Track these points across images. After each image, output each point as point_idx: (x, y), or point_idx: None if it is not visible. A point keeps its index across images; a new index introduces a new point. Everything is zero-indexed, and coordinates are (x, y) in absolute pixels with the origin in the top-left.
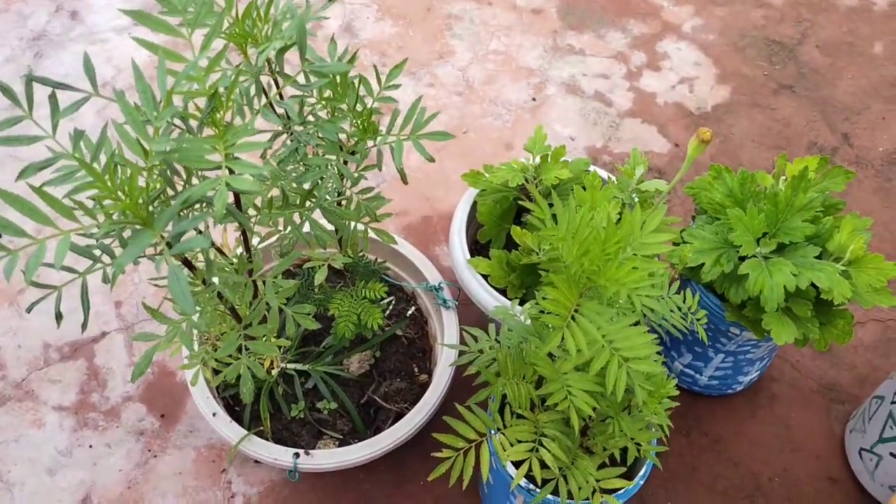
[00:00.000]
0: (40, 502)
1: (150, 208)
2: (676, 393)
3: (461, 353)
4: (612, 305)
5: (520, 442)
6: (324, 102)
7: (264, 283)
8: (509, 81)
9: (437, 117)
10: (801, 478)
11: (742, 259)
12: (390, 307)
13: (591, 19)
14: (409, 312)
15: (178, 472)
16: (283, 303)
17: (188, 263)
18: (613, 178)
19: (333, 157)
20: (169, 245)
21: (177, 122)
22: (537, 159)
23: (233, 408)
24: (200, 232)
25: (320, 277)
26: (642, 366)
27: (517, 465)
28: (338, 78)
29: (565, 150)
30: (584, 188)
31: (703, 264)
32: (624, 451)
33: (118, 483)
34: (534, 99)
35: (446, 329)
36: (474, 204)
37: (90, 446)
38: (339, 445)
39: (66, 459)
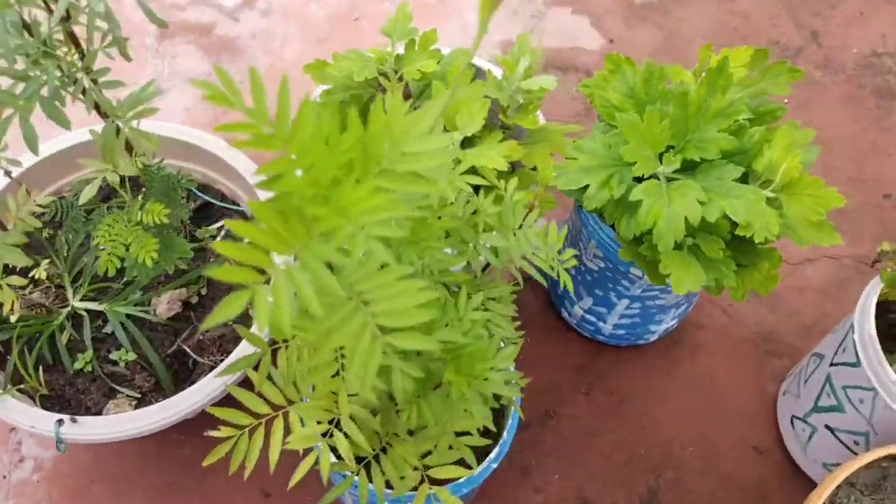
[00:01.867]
0: None
1: None
2: (508, 366)
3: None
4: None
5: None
6: None
7: None
8: None
9: (324, 0)
10: (720, 446)
11: (639, 181)
12: (221, 233)
13: None
14: (247, 240)
15: None
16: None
17: None
18: (497, 73)
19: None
20: None
21: None
22: (400, 48)
23: (3, 355)
24: None
25: (87, 194)
26: (407, 339)
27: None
28: None
29: (436, 35)
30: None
31: (587, 187)
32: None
33: None
34: None
35: None
36: None
37: None
38: (138, 406)
39: None
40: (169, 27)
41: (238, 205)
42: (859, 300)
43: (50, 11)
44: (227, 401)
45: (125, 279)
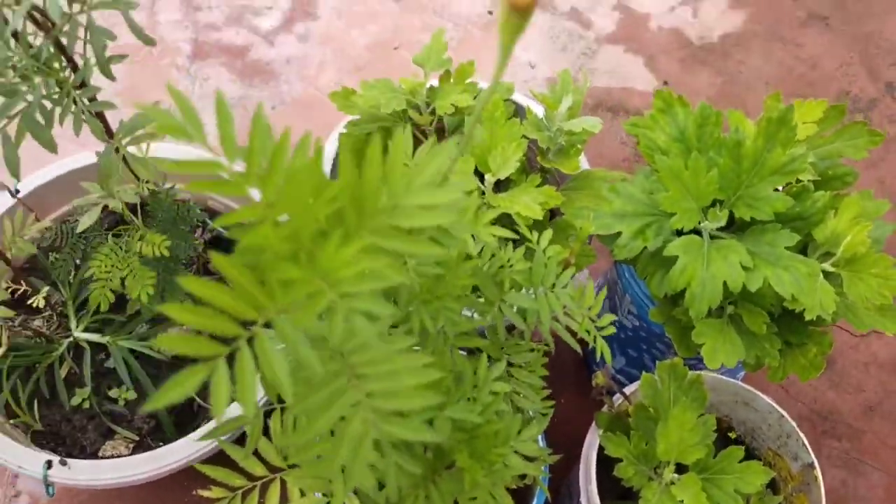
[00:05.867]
0: None
1: None
2: (532, 445)
3: None
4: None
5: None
6: None
7: None
8: None
9: (366, 28)
10: None
11: (679, 235)
12: None
13: None
14: None
15: None
16: None
17: None
18: (537, 112)
19: None
20: None
21: None
22: (434, 79)
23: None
24: None
25: (87, 222)
26: (405, 428)
27: None
28: None
29: (473, 67)
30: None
31: (619, 234)
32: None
33: None
34: (490, 12)
35: None
36: None
37: None
38: (135, 449)
39: None
40: (202, 48)
41: None
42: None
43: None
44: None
45: (131, 312)
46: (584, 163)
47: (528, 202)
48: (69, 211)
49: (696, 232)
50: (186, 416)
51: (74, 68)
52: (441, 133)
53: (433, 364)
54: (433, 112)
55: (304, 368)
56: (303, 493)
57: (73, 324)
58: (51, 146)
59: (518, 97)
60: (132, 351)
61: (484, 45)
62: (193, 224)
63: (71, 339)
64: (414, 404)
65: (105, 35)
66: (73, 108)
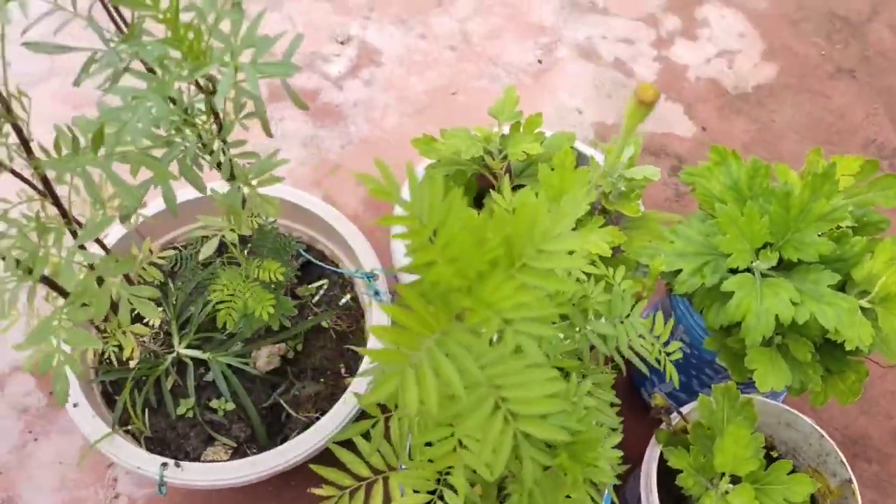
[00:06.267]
0: None
1: None
2: (617, 458)
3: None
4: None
5: (416, 492)
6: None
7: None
8: (514, 39)
9: (424, 74)
10: None
11: (733, 273)
12: (320, 292)
13: None
14: (343, 301)
15: (58, 462)
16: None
17: None
18: (600, 160)
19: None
20: None
21: None
22: (506, 128)
23: (112, 396)
24: None
25: (207, 251)
26: (536, 427)
27: None
28: None
29: (541, 118)
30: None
31: (679, 271)
32: None
33: None
34: (540, 61)
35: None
36: None
37: None
38: (233, 455)
39: None
40: (277, 91)
41: (337, 266)
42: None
43: (200, 88)
44: (321, 459)
45: (228, 331)
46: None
47: (595, 241)
48: (172, 238)
49: (748, 270)
50: (276, 427)
51: (219, 123)
52: (509, 176)
53: (556, 377)
54: (504, 157)
55: (464, 377)
56: (402, 493)
57: (175, 341)
58: (202, 188)
59: (579, 145)
60: (229, 366)
61: (534, 92)
62: (291, 254)
63: (174, 354)
64: (545, 408)
65: (253, 99)
66: (221, 157)
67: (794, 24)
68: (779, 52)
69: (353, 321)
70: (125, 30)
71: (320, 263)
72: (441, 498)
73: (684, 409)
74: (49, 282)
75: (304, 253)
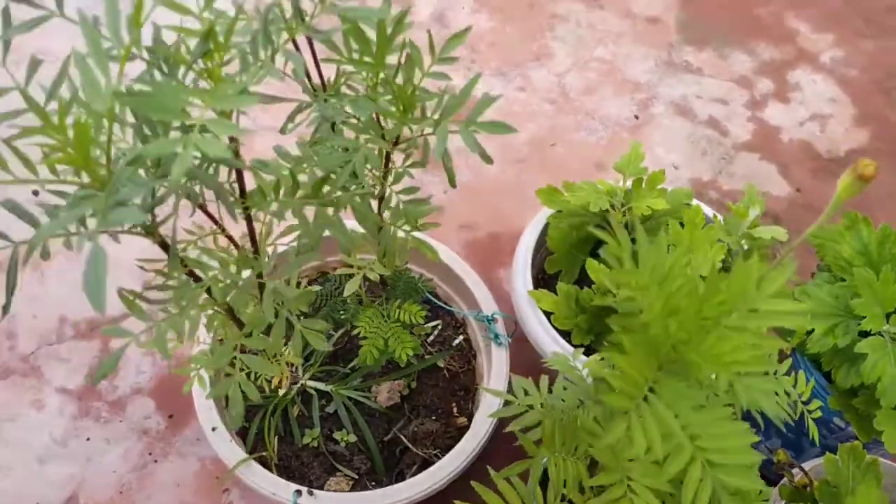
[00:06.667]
0: (23, 493)
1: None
2: None
3: (506, 403)
4: (702, 388)
5: None
6: (361, 71)
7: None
8: (611, 94)
9: (524, 126)
10: None
11: (863, 335)
12: (435, 332)
13: (715, 36)
14: (457, 342)
15: (176, 483)
16: (297, 314)
17: (165, 246)
18: (720, 218)
19: (367, 141)
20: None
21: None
22: (629, 183)
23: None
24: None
25: (351, 288)
26: (735, 477)
27: None
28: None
29: (664, 175)
30: (681, 224)
31: (811, 331)
32: None
33: (110, 485)
34: (636, 117)
35: (494, 369)
36: (546, 227)
37: (87, 439)
38: (353, 486)
39: (60, 449)
40: None
41: (450, 306)
42: None
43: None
44: (440, 498)
45: (350, 365)
46: None
47: None
48: (300, 272)
49: (879, 334)
50: (391, 461)
51: (387, 170)
52: (633, 229)
53: (749, 430)
54: (626, 211)
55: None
56: None
57: (300, 372)
58: (374, 231)
59: (698, 203)
60: (351, 399)
61: (631, 143)
62: (421, 297)
63: (299, 385)
64: (743, 459)
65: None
66: (391, 202)
67: (884, 92)
68: (870, 118)
69: (465, 362)
70: (325, 84)
71: (442, 304)
72: None
73: (806, 466)
74: (228, 310)
75: (430, 296)
